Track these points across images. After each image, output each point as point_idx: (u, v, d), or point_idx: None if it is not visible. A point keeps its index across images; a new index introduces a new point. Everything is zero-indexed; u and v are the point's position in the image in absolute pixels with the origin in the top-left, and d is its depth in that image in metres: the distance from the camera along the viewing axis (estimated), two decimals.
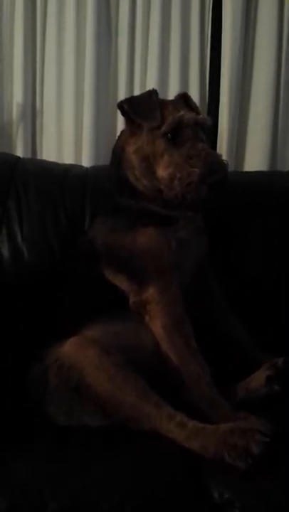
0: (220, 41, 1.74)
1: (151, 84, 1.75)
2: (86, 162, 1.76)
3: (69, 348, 1.02)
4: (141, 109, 1.18)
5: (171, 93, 1.61)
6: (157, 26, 1.75)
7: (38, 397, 1.04)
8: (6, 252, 1.37)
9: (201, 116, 1.20)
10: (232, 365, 1.17)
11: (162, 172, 1.14)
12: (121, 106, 1.21)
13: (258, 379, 1.11)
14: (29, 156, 1.81)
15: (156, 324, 1.09)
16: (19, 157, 1.58)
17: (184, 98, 1.28)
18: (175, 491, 0.81)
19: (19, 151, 1.78)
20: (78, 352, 1.00)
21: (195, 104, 1.29)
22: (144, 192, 1.20)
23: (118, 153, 1.25)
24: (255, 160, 1.80)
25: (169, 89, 1.77)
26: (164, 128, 1.15)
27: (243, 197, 1.47)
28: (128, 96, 1.72)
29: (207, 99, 1.81)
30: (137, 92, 1.76)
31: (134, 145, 1.19)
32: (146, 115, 1.17)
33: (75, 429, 0.98)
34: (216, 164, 1.10)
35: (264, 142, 1.79)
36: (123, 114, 1.23)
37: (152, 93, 1.21)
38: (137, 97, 1.24)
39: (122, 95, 1.79)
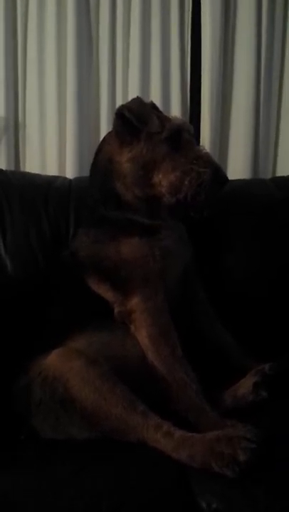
0: (200, 50, 1.77)
1: (133, 94, 1.74)
2: (70, 173, 1.76)
3: (53, 359, 1.01)
4: (142, 115, 1.19)
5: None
6: (137, 39, 1.78)
7: (23, 410, 1.03)
8: None
9: None
10: (219, 372, 1.17)
11: (166, 177, 1.16)
12: (121, 113, 1.19)
13: (245, 386, 1.11)
14: (12, 168, 1.81)
15: (142, 333, 1.08)
16: (1, 169, 1.58)
17: (154, 107, 1.30)
18: (163, 503, 0.80)
19: (2, 164, 1.78)
20: (63, 363, 0.99)
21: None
22: (131, 202, 1.21)
23: (104, 164, 1.25)
24: (237, 169, 1.82)
25: (151, 98, 1.78)
26: (165, 133, 1.17)
27: (226, 205, 1.48)
28: (111, 105, 1.76)
29: (188, 109, 1.83)
30: (119, 103, 1.77)
31: (128, 154, 1.19)
32: (148, 121, 1.18)
33: (61, 442, 0.97)
34: (218, 164, 1.16)
35: (246, 151, 1.81)
36: (120, 121, 1.20)
37: (141, 100, 1.23)
38: (131, 104, 1.22)
39: (104, 106, 1.81)
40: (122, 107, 1.20)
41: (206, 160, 1.15)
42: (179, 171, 1.14)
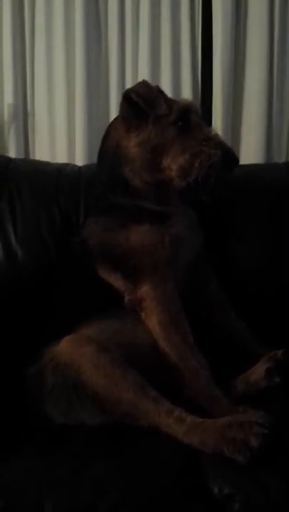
0: (211, 33, 1.73)
1: (143, 77, 1.73)
2: (79, 161, 1.76)
3: (65, 346, 1.01)
4: (149, 98, 1.17)
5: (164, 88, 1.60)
6: (146, 24, 1.75)
7: (36, 397, 1.04)
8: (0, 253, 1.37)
9: None
10: (231, 358, 1.16)
11: (175, 160, 1.14)
12: (128, 96, 1.18)
13: (258, 372, 1.11)
14: (22, 156, 1.81)
15: (153, 321, 1.08)
16: (11, 158, 1.58)
17: (160, 90, 1.27)
18: (174, 488, 0.80)
19: (12, 152, 1.78)
20: (74, 350, 0.99)
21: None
22: (140, 188, 1.20)
23: (111, 150, 1.24)
24: (250, 153, 1.79)
25: (161, 84, 1.76)
26: (173, 116, 1.16)
27: (238, 190, 1.46)
28: (121, 92, 1.73)
29: (200, 93, 1.80)
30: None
31: (136, 138, 1.18)
32: (155, 104, 1.16)
33: (72, 428, 0.97)
34: (229, 146, 1.14)
35: (259, 135, 1.77)
36: (127, 105, 1.18)
37: (148, 83, 1.21)
38: (138, 87, 1.20)
39: (113, 93, 1.79)
40: (129, 90, 1.19)
41: (216, 141, 1.13)
42: (189, 153, 1.12)
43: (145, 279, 1.10)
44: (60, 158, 1.79)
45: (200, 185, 1.13)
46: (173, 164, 1.15)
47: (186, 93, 1.78)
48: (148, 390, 0.94)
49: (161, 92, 1.22)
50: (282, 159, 1.81)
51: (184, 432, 0.89)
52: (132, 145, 1.18)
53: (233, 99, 1.79)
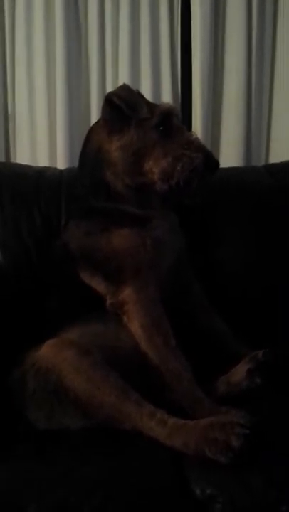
0: (190, 38, 1.75)
1: (123, 81, 1.74)
2: (61, 164, 1.75)
3: (46, 350, 1.01)
4: (131, 101, 1.17)
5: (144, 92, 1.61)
6: (126, 28, 1.76)
7: (18, 402, 1.03)
8: None
9: None
10: (214, 360, 1.17)
11: (158, 163, 1.14)
12: (110, 100, 1.18)
13: (239, 373, 1.11)
14: (2, 159, 1.80)
15: (135, 324, 1.08)
16: None
17: (140, 95, 1.28)
18: (157, 491, 0.80)
19: None
20: (55, 354, 0.99)
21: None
22: (122, 192, 1.20)
23: (93, 153, 1.23)
24: (230, 157, 1.81)
25: (142, 89, 1.77)
26: (155, 119, 1.16)
27: (218, 194, 1.48)
28: (101, 95, 1.73)
29: (180, 97, 1.82)
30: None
31: (118, 142, 1.18)
32: (137, 107, 1.17)
33: (55, 432, 0.97)
34: (209, 149, 1.16)
35: (238, 138, 1.80)
36: (109, 108, 1.18)
37: (129, 87, 1.21)
38: (119, 91, 1.21)
39: (94, 96, 1.80)
40: (111, 94, 1.19)
41: (197, 145, 1.15)
42: (171, 156, 1.13)
43: (127, 283, 1.10)
44: (42, 161, 1.79)
45: (182, 189, 1.14)
46: (155, 167, 1.15)
47: (166, 97, 1.80)
48: (130, 393, 0.94)
49: (142, 97, 1.23)
50: (261, 162, 1.83)
51: (166, 435, 0.89)
52: (114, 148, 1.18)
53: (212, 105, 1.81)
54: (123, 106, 1.16)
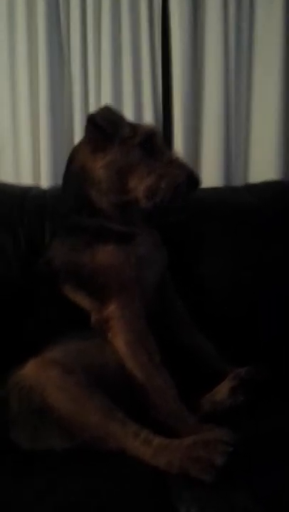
0: (170, 60, 1.81)
1: (106, 101, 1.77)
2: (45, 182, 1.76)
3: (29, 369, 0.99)
4: (113, 120, 1.20)
5: (126, 113, 1.65)
6: (108, 49, 1.79)
7: (1, 423, 1.01)
8: None
9: None
10: (198, 377, 1.18)
11: (142, 181, 1.16)
12: (92, 119, 1.20)
13: (223, 391, 1.12)
14: None
15: (119, 341, 1.08)
16: None
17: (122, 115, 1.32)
18: (141, 510, 0.79)
19: None
20: (39, 373, 0.97)
21: None
22: (105, 209, 1.21)
23: (77, 172, 1.25)
24: (210, 177, 1.83)
25: (123, 108, 1.81)
26: (138, 138, 1.19)
27: (202, 213, 1.50)
28: (84, 114, 1.76)
29: (162, 118, 1.86)
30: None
31: (102, 160, 1.19)
32: (119, 126, 1.19)
33: (40, 453, 0.95)
34: (191, 168, 1.20)
35: (218, 159, 1.84)
36: (92, 127, 1.20)
37: (110, 107, 1.24)
38: (101, 111, 1.23)
39: (77, 115, 1.82)
40: (93, 114, 1.22)
41: (179, 163, 1.19)
42: (155, 174, 1.16)
43: (112, 299, 1.10)
44: (25, 179, 1.79)
45: (166, 206, 1.16)
46: (140, 185, 1.17)
47: (148, 117, 1.83)
48: (115, 412, 0.93)
49: (124, 118, 1.26)
50: (241, 182, 1.87)
51: (151, 454, 0.88)
52: (98, 166, 1.20)
53: (193, 126, 1.85)
54: (105, 125, 1.18)
